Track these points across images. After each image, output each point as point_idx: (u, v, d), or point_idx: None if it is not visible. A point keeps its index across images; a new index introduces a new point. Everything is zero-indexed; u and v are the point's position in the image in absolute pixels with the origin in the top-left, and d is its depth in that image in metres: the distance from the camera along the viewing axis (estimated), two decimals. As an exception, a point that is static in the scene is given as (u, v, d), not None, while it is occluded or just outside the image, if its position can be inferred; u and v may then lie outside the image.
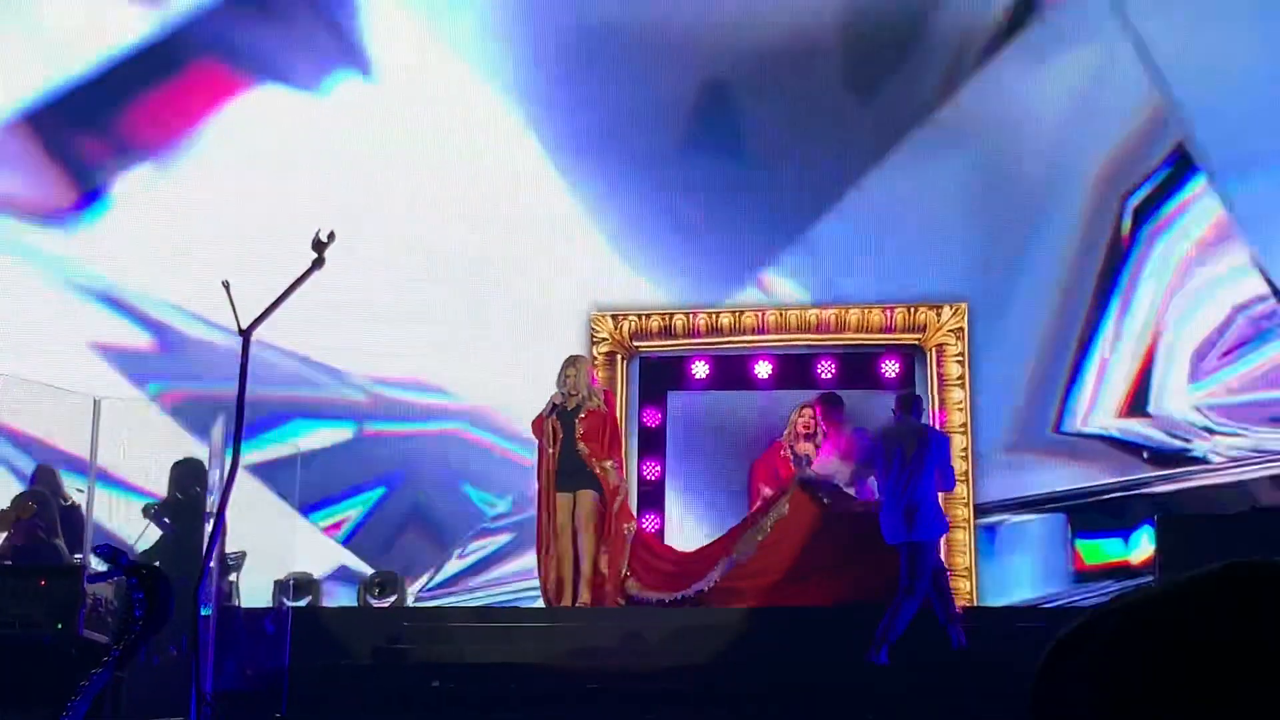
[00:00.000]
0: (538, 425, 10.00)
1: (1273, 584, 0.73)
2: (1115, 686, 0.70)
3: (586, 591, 9.80)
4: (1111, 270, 11.52)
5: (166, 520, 9.77)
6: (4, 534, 9.38)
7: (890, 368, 11.68)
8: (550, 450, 9.86)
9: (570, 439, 9.79)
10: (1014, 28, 11.72)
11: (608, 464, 9.81)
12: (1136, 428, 11.37)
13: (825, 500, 9.77)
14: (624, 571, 9.87)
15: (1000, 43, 11.75)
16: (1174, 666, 0.69)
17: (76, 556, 9.06)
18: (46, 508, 9.65)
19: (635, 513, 10.89)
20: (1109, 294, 11.48)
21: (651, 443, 11.95)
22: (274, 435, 11.64)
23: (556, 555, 9.84)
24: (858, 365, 11.73)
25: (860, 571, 9.43)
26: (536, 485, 10.07)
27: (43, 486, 9.86)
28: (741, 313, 11.75)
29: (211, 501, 9.25)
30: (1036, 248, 11.59)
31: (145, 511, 9.88)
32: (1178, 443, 11.28)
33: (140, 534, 9.73)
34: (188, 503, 9.80)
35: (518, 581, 11.51)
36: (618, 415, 10.61)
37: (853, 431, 10.13)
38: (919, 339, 11.58)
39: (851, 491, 10.02)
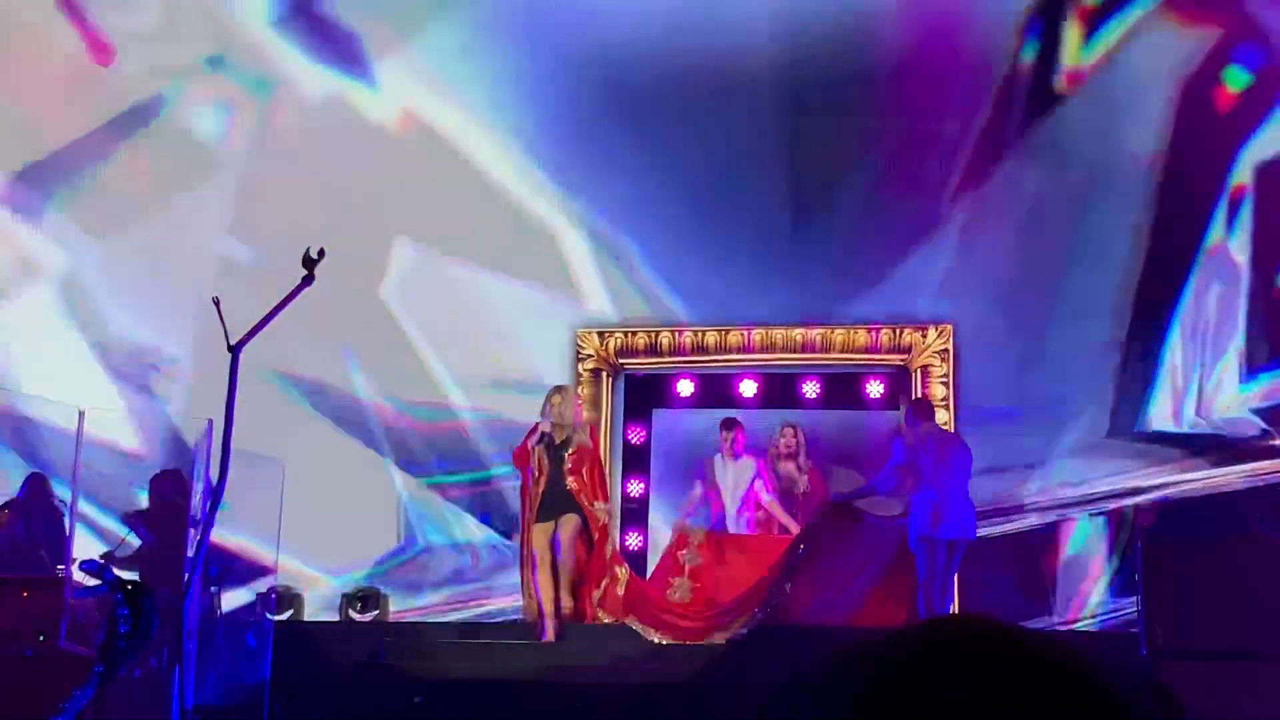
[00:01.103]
0: (521, 455, 9.77)
1: (972, 642, 0.72)
2: None
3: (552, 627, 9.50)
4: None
5: (144, 530, 9.75)
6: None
7: (875, 388, 11.74)
8: (535, 481, 9.61)
9: (558, 473, 9.57)
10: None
11: (599, 505, 9.61)
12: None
13: (854, 518, 9.76)
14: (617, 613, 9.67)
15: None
16: (870, 716, 0.69)
17: (59, 568, 9.03)
18: (29, 518, 9.62)
19: (619, 528, 10.91)
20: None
21: (636, 460, 11.97)
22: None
23: (535, 586, 9.59)
24: (843, 385, 11.78)
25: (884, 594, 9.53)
26: (521, 515, 9.86)
27: (31, 495, 9.84)
28: (727, 331, 11.80)
29: (195, 506, 9.25)
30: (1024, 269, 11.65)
31: (124, 520, 9.86)
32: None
33: (119, 544, 9.70)
34: (169, 514, 9.78)
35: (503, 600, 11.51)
36: (601, 449, 10.56)
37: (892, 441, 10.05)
38: (904, 360, 11.63)
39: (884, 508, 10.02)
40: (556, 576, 9.56)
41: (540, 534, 9.57)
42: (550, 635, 9.53)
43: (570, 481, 9.53)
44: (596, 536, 9.58)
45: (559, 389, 9.98)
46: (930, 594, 9.33)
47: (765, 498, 10.36)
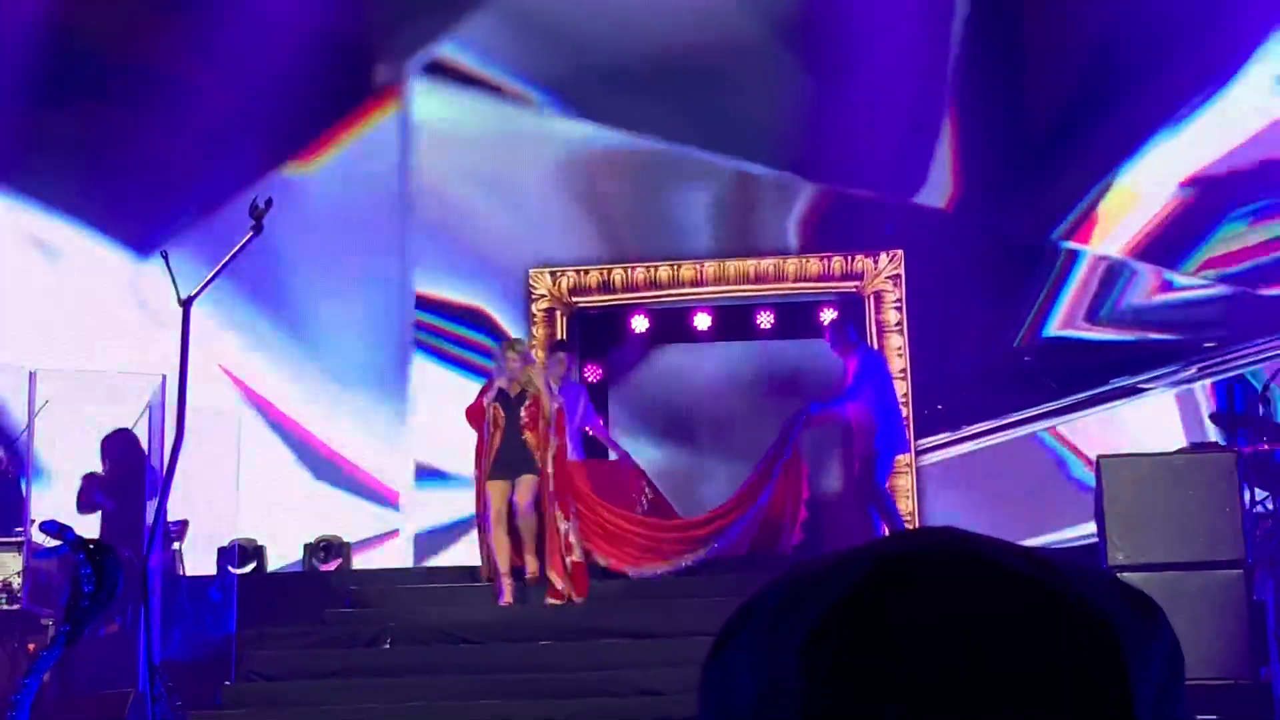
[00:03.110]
0: (476, 411, 9.51)
1: (918, 563, 0.69)
2: (770, 666, 0.68)
3: (563, 582, 9.20)
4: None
5: (100, 494, 9.71)
6: None
7: (829, 315, 11.77)
8: (490, 436, 9.36)
9: (514, 427, 9.34)
10: None
11: (549, 453, 9.27)
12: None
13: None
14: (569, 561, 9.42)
15: None
16: (821, 644, 0.67)
17: (17, 530, 8.99)
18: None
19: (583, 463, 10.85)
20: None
21: (594, 397, 11.97)
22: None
23: (491, 547, 9.36)
24: (797, 314, 11.81)
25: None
26: (476, 471, 9.60)
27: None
28: (680, 265, 11.78)
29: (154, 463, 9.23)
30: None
31: (82, 481, 9.81)
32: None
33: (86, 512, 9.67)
34: (124, 473, 9.74)
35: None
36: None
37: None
38: (857, 286, 11.67)
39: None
40: (514, 537, 9.33)
41: (496, 490, 9.31)
42: (508, 598, 9.29)
43: (528, 435, 9.30)
44: (550, 491, 9.28)
45: (512, 343, 9.79)
46: (892, 508, 10.16)
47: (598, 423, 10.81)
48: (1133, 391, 11.40)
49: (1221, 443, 7.99)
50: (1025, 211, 11.64)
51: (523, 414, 9.31)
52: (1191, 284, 11.47)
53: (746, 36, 11.88)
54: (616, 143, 12.00)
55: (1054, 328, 11.59)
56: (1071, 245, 11.61)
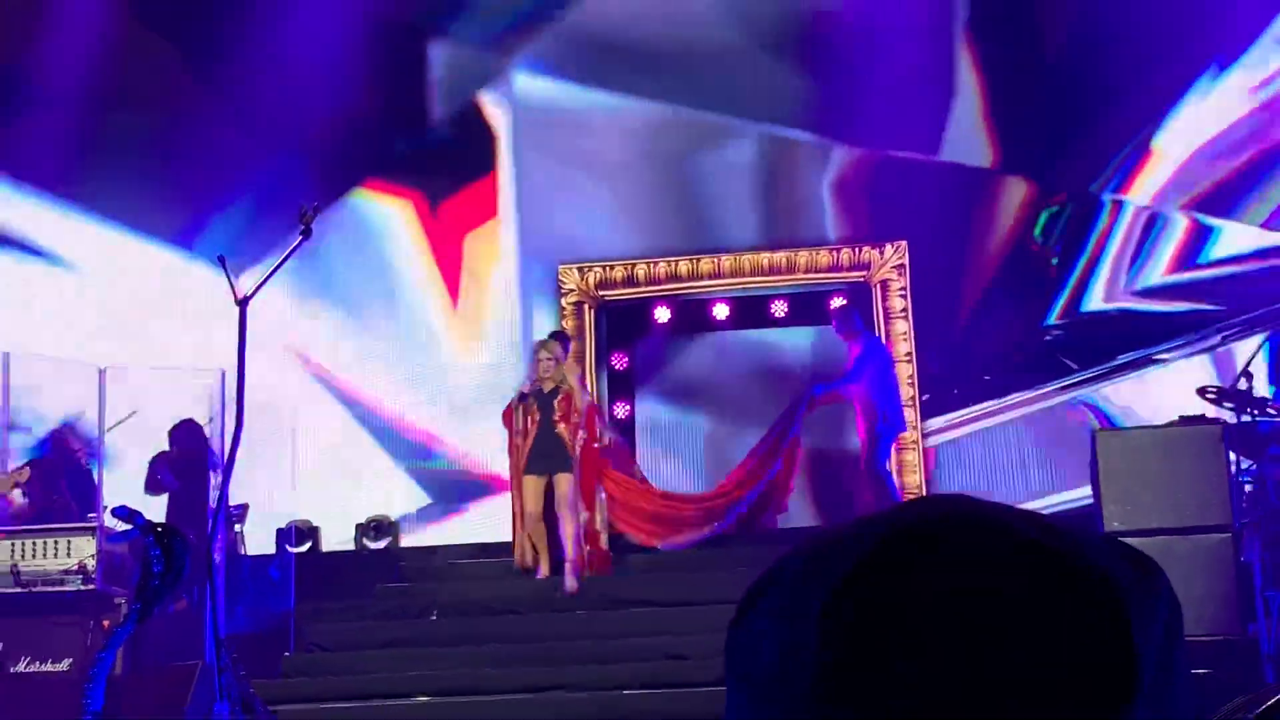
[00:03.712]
0: (508, 415, 9.43)
1: (931, 530, 0.68)
2: (790, 629, 0.68)
3: (571, 580, 9.07)
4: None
5: (169, 476, 9.78)
6: (19, 497, 9.36)
7: (839, 304, 11.73)
8: (522, 435, 9.25)
9: (548, 421, 9.22)
10: None
11: (580, 435, 9.23)
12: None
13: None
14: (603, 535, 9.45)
15: None
16: (838, 607, 0.67)
17: (90, 515, 9.04)
18: (54, 472, 9.63)
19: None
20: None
21: (620, 384, 12.00)
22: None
23: (528, 539, 9.29)
24: (809, 303, 11.79)
25: None
26: (511, 466, 9.47)
27: (55, 451, 9.85)
28: (699, 259, 11.77)
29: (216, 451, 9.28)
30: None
31: (151, 462, 9.88)
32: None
33: (153, 492, 9.72)
34: (190, 460, 9.80)
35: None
36: (587, 386, 10.08)
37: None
38: (864, 276, 11.64)
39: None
40: (551, 529, 9.20)
41: (532, 484, 9.20)
42: (545, 570, 9.21)
43: (561, 428, 9.20)
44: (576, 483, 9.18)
45: (545, 343, 9.67)
46: (892, 486, 10.33)
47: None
48: (1151, 362, 11.21)
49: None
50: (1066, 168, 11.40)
51: (556, 408, 9.23)
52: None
53: (757, 26, 11.79)
54: (636, 143, 11.97)
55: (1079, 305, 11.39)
56: (1119, 196, 11.35)
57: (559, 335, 10.37)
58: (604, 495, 9.46)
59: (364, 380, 12.11)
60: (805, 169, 11.84)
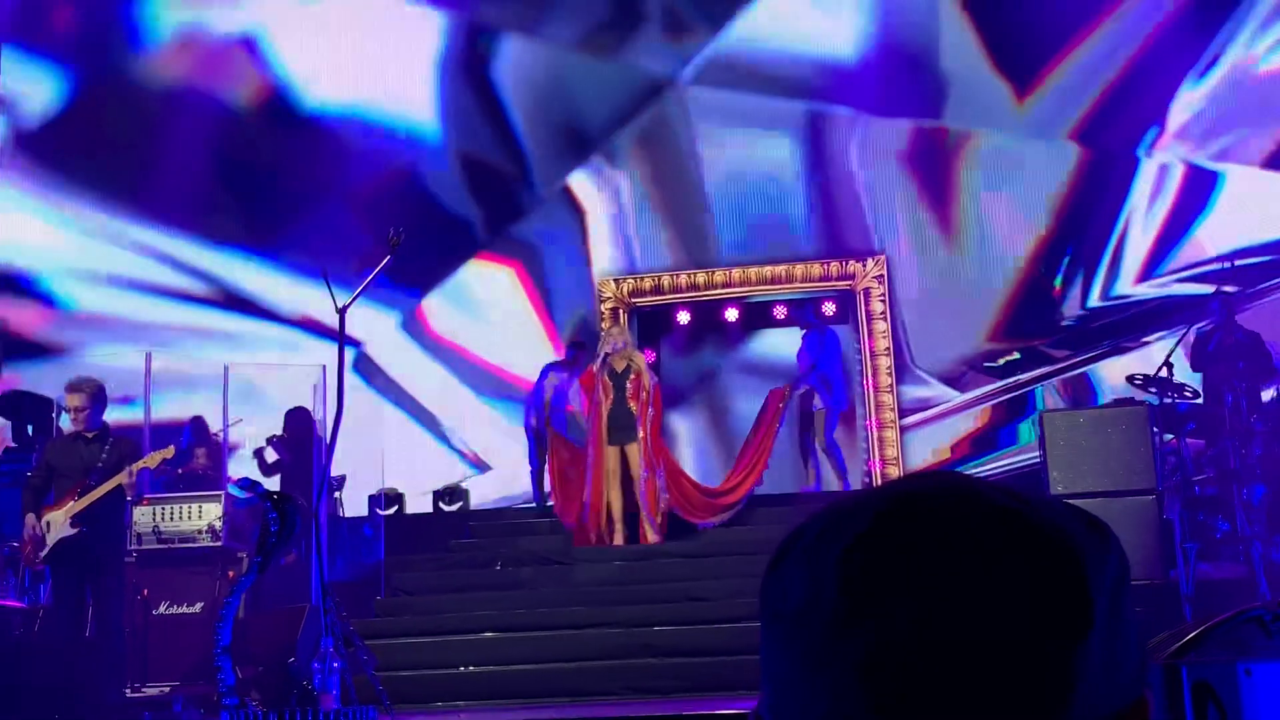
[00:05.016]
0: (588, 379, 9.16)
1: (925, 498, 0.69)
2: (814, 575, 0.68)
3: (653, 533, 8.84)
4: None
5: (284, 451, 9.83)
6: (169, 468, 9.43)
7: (829, 308, 11.73)
8: (601, 404, 8.92)
9: (621, 397, 8.95)
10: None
11: (648, 421, 8.92)
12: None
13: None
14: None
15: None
16: (852, 557, 0.67)
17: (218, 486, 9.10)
18: (188, 452, 9.70)
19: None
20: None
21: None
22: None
23: (606, 500, 8.92)
24: (804, 308, 11.75)
25: None
26: (592, 432, 9.08)
27: (195, 434, 9.94)
28: (713, 272, 11.79)
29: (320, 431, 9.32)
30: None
31: (268, 441, 9.93)
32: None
33: (267, 460, 9.72)
34: (300, 438, 9.85)
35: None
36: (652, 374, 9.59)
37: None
38: (850, 285, 11.61)
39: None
40: (625, 491, 8.92)
41: (612, 453, 8.92)
42: (619, 539, 8.91)
43: (632, 405, 8.93)
44: (648, 451, 8.91)
45: (616, 326, 9.57)
46: (839, 455, 10.30)
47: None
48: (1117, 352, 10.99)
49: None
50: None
51: (628, 385, 9.00)
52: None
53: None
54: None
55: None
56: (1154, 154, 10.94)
57: (574, 345, 10.47)
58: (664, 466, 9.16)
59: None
60: (799, 198, 11.81)
